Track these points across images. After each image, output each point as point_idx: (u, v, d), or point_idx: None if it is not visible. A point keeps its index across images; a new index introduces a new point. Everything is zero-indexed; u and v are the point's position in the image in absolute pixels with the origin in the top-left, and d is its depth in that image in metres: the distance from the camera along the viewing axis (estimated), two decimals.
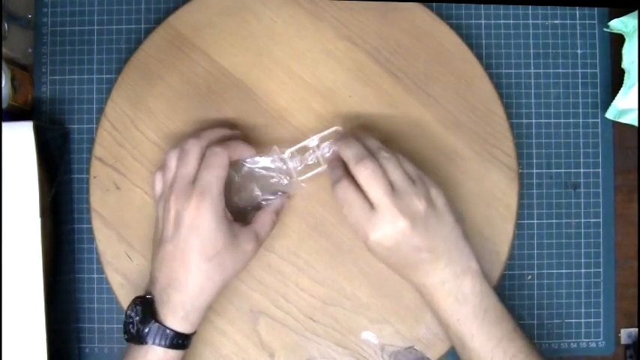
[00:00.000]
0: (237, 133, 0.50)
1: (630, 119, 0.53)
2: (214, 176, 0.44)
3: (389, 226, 0.43)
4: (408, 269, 0.46)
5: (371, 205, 0.44)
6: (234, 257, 0.45)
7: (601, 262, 0.55)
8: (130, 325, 0.44)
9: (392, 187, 0.44)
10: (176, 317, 0.44)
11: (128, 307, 0.45)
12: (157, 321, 0.43)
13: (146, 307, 0.44)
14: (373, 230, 0.43)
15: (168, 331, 0.43)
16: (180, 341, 0.44)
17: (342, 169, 0.46)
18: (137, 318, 0.43)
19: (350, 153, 0.45)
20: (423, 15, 0.53)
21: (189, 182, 0.44)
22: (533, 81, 0.56)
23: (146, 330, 0.43)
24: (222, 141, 0.47)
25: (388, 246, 0.44)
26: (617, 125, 0.55)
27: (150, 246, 0.52)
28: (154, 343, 0.43)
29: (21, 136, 0.49)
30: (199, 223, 0.43)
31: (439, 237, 0.45)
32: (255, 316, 0.51)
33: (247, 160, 0.49)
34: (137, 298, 0.45)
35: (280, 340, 0.51)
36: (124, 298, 0.52)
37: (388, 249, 0.44)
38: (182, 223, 0.43)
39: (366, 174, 0.44)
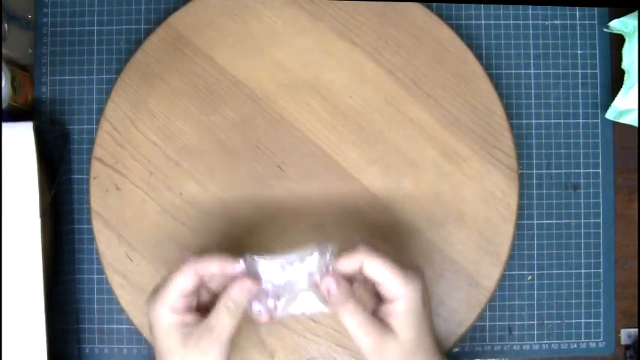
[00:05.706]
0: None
1: (630, 120, 0.53)
2: (173, 276, 0.42)
3: (418, 284, 0.42)
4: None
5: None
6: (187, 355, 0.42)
7: (601, 262, 0.55)
8: None
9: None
10: None
11: None
12: None
13: None
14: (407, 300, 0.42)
15: None
16: None
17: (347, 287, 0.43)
18: None
19: (354, 255, 0.43)
20: (423, 15, 0.53)
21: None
22: (533, 81, 0.56)
23: None
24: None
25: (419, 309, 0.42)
26: (617, 125, 0.55)
27: (150, 247, 0.52)
28: None
29: (21, 136, 0.49)
30: (153, 321, 0.42)
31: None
32: None
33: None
34: None
35: (281, 341, 0.51)
36: (124, 298, 0.52)
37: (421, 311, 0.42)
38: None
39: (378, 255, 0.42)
